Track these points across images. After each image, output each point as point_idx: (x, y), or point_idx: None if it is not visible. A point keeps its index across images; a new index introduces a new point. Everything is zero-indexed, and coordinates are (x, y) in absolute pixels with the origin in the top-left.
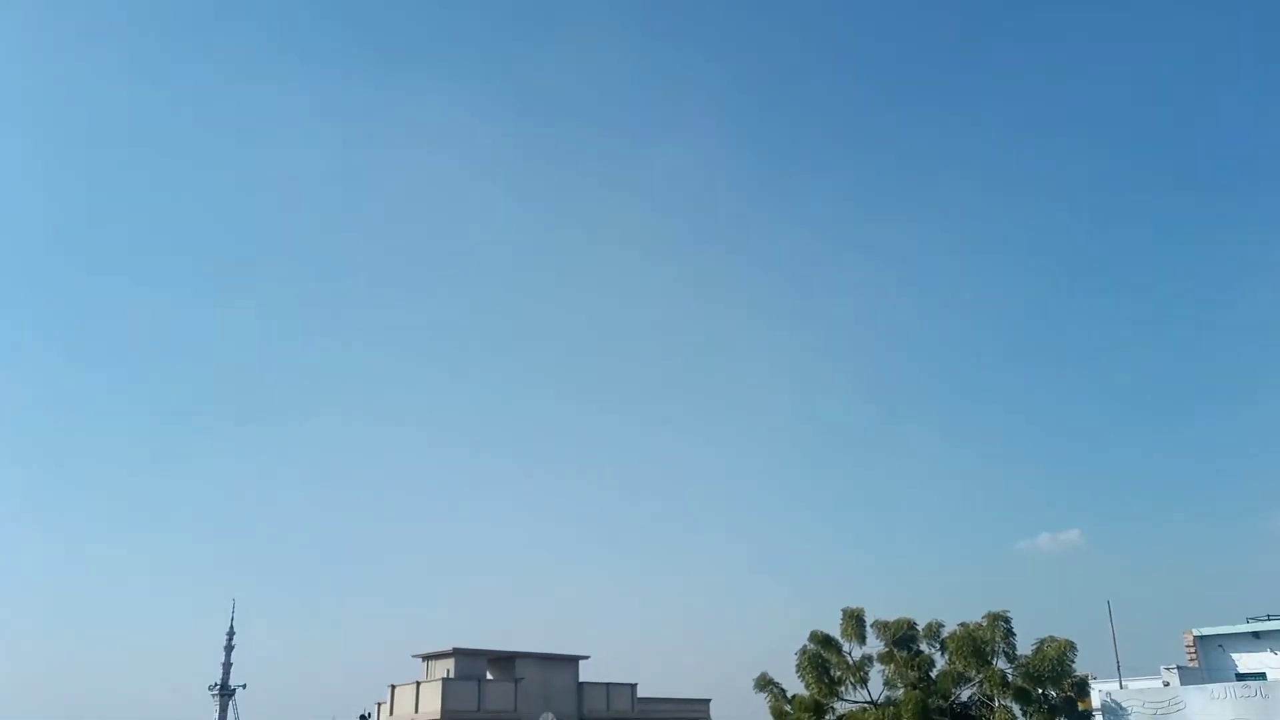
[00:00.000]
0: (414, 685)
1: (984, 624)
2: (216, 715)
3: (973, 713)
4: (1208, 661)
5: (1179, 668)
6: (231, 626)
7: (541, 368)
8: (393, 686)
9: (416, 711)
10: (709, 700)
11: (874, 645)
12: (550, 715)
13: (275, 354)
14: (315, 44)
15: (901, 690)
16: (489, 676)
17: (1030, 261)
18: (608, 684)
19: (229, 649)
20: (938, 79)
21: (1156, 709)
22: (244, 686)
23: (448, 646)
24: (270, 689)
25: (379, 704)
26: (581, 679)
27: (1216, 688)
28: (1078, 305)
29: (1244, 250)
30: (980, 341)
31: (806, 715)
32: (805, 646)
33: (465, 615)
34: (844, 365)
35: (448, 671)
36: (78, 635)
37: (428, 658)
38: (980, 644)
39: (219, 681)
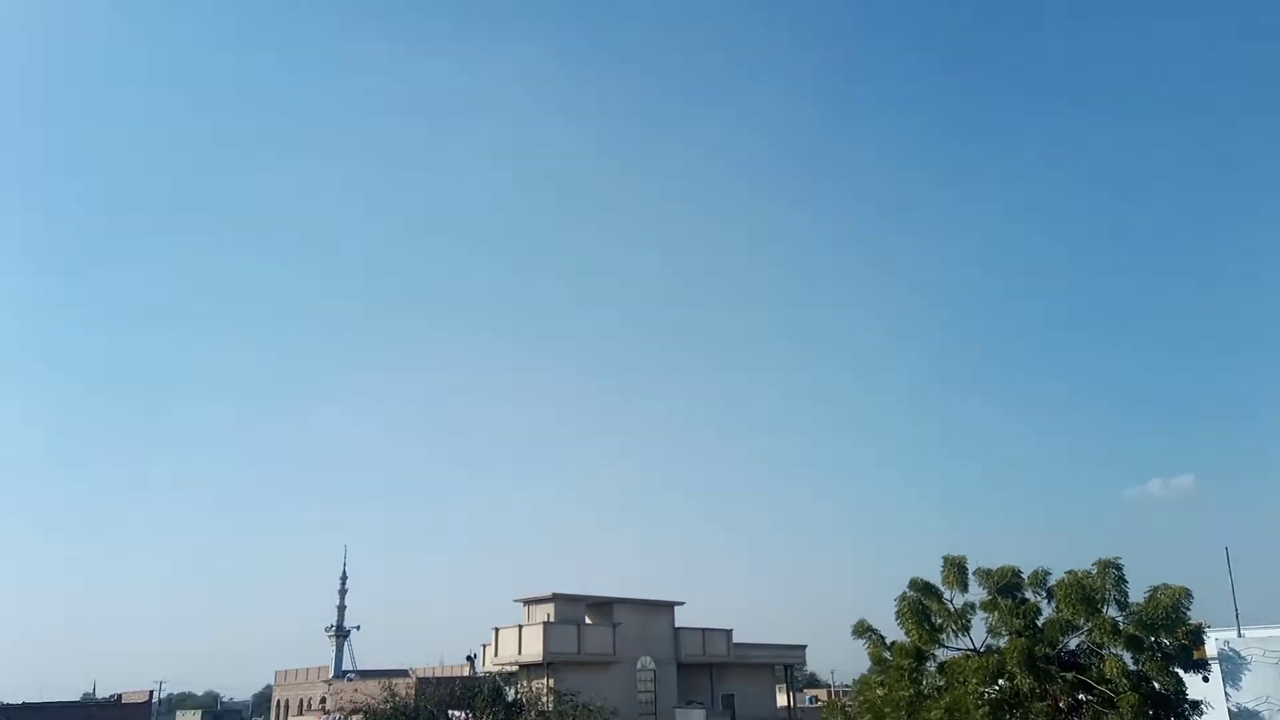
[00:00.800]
0: (516, 628)
1: (1093, 571)
2: (333, 654)
3: (1081, 661)
4: None
5: None
6: (344, 571)
7: (637, 316)
8: (496, 629)
9: (520, 653)
10: (804, 646)
11: (976, 594)
12: (648, 658)
13: (376, 311)
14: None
15: (1005, 638)
16: (588, 620)
17: (1142, 191)
18: (703, 629)
19: (342, 593)
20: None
21: (1278, 657)
22: (358, 628)
23: (547, 592)
24: (382, 631)
25: (484, 645)
26: (678, 625)
27: None
28: (1188, 231)
29: None
30: (1081, 281)
31: (907, 661)
32: (905, 593)
33: (563, 563)
34: (942, 309)
35: (548, 616)
36: (210, 579)
37: (528, 602)
38: (1090, 591)
39: (334, 623)
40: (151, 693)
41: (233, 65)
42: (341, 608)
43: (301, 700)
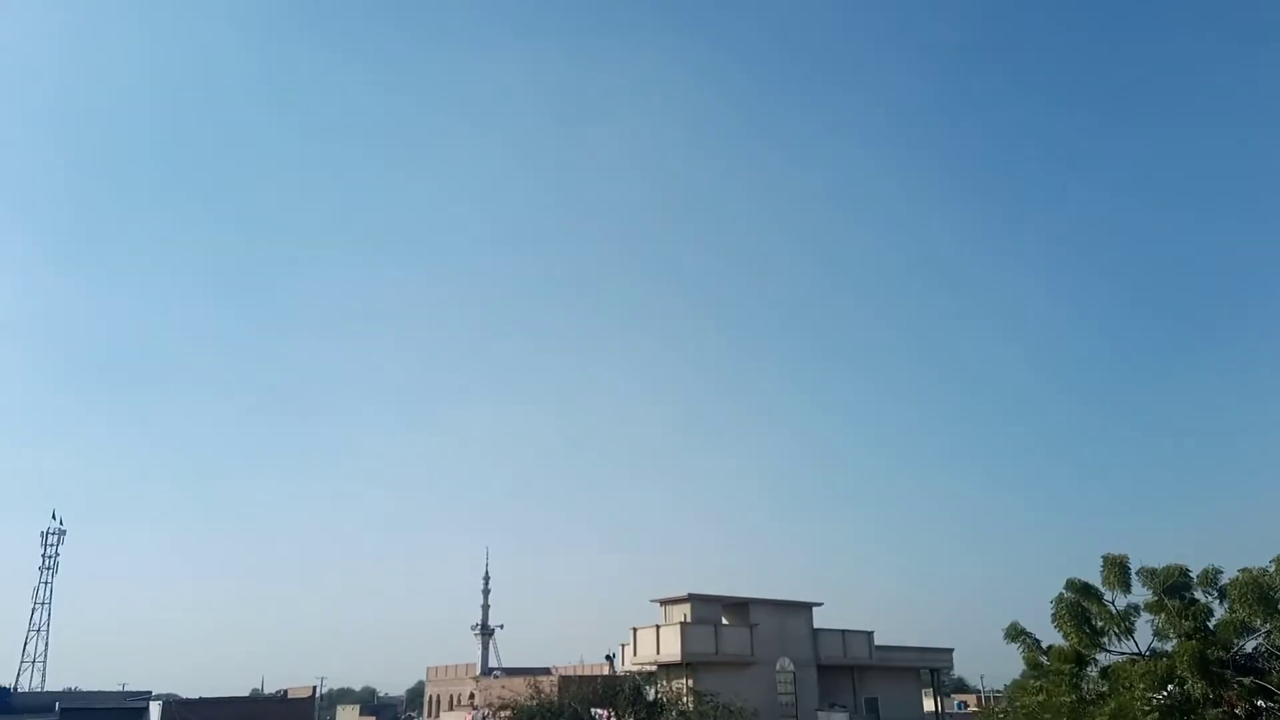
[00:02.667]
0: (654, 629)
1: (1272, 569)
2: (480, 652)
3: (1260, 665)
4: None
5: None
6: (487, 572)
7: (767, 320)
8: (634, 629)
9: (658, 653)
10: (951, 649)
11: (1139, 595)
12: (787, 660)
13: (506, 314)
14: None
15: (1174, 641)
16: (724, 621)
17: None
18: (843, 630)
19: (485, 592)
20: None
21: None
22: (501, 627)
23: (683, 592)
24: (525, 630)
25: (623, 645)
26: (816, 626)
27: None
28: None
29: None
30: (1235, 276)
31: (1067, 666)
32: (1062, 594)
33: (702, 564)
34: (1123, 290)
35: (684, 616)
36: (365, 580)
37: (665, 603)
38: (1268, 590)
39: (479, 622)
40: (314, 688)
41: (366, 94)
42: (485, 607)
43: (452, 696)
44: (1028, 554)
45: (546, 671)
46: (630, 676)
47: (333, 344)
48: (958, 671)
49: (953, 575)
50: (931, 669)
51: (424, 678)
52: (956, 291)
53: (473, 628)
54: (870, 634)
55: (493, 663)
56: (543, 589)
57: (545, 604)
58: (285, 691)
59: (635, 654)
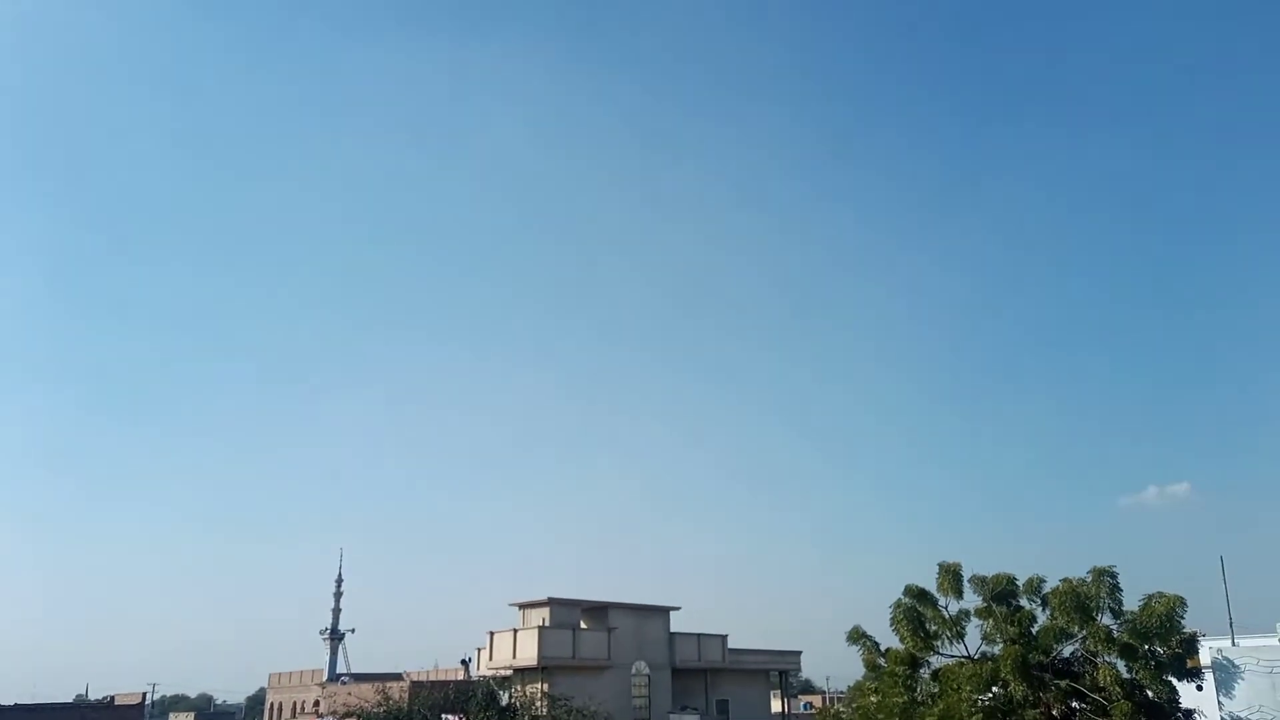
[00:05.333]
0: (511, 633)
1: (1088, 579)
2: (328, 657)
3: (1075, 669)
4: None
5: None
6: (340, 574)
7: (622, 328)
8: (491, 633)
9: (514, 657)
10: (800, 652)
11: (971, 601)
12: (643, 663)
13: (365, 325)
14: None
15: (1000, 646)
16: (583, 626)
17: (1129, 214)
18: (699, 634)
19: (338, 595)
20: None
21: (1271, 666)
22: (352, 631)
23: (542, 596)
24: (377, 634)
25: (479, 649)
26: (673, 630)
27: None
28: (1178, 253)
29: None
30: (1074, 290)
31: (901, 668)
32: (900, 600)
33: (560, 568)
34: (930, 321)
35: (543, 620)
36: (203, 581)
37: (523, 606)
38: (1084, 599)
39: (329, 626)
40: (145, 695)
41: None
42: (337, 611)
43: (295, 703)
44: (881, 557)
45: (398, 677)
46: (484, 681)
47: (173, 338)
48: (806, 673)
49: (804, 579)
50: (780, 671)
51: (266, 684)
52: (800, 292)
53: (321, 632)
54: (724, 637)
55: (341, 669)
56: (401, 593)
57: (403, 609)
58: (112, 698)
59: (491, 658)
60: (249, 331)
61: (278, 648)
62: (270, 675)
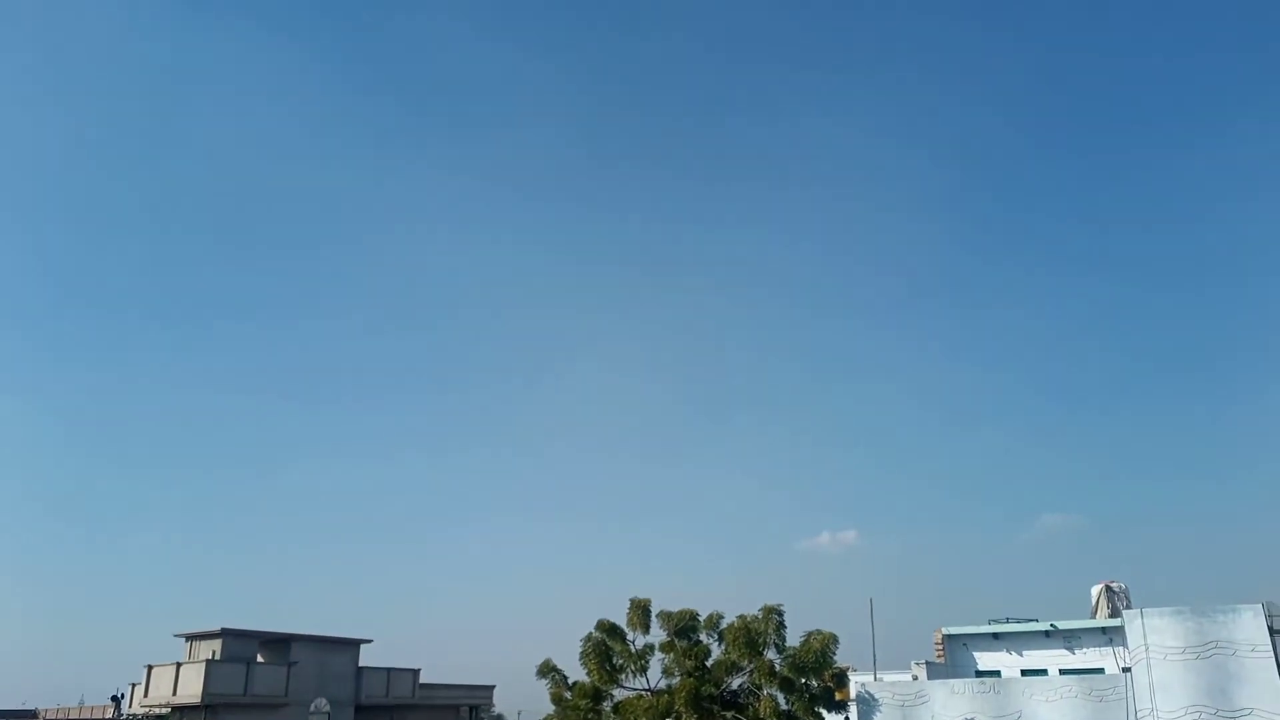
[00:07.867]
0: (174, 666)
1: (759, 616)
2: None
3: (741, 700)
4: (953, 658)
5: (928, 663)
6: None
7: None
8: (149, 667)
9: (175, 694)
10: (493, 687)
11: (658, 635)
12: (323, 700)
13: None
14: None
15: (678, 678)
16: (260, 659)
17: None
18: (388, 669)
19: None
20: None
21: (904, 700)
22: None
23: (215, 627)
24: (11, 669)
25: (133, 685)
26: (362, 663)
27: (957, 683)
28: (872, 336)
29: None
30: (768, 350)
31: (584, 702)
32: (591, 634)
33: (238, 597)
34: (660, 366)
35: (213, 653)
36: None
37: (191, 638)
38: (754, 635)
39: None
40: None
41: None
42: None
43: None
44: (591, 591)
45: (33, 715)
46: None
47: None
48: (500, 708)
49: (505, 610)
50: (471, 706)
51: None
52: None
53: None
54: (416, 672)
55: None
56: (42, 619)
57: (45, 637)
58: None
59: (147, 694)
60: None
61: None
62: None
